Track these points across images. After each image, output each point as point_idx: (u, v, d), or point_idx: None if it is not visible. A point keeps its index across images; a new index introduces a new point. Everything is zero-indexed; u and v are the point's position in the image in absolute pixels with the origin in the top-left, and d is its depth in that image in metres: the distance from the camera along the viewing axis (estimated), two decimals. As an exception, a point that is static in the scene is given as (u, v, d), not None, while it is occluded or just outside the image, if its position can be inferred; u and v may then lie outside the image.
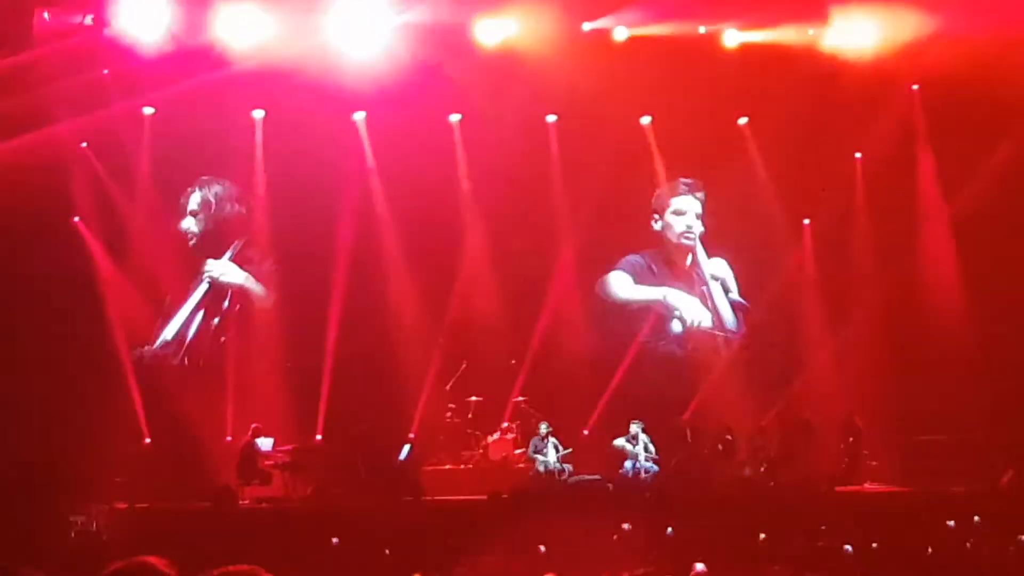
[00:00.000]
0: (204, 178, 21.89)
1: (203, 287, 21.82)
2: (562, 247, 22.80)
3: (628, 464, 20.21)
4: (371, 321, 21.72)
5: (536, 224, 22.56)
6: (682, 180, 23.23)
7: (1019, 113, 21.28)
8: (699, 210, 23.31)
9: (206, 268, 21.89)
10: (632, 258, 23.53)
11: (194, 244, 21.92)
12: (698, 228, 23.33)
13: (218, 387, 21.14)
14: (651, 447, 20.43)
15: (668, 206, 23.38)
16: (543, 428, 20.20)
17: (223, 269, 21.95)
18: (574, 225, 22.75)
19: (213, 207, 21.86)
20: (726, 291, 23.37)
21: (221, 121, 20.91)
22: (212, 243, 22.00)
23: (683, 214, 23.38)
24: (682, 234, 23.38)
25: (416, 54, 20.55)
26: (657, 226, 23.47)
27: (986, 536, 15.36)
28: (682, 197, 23.35)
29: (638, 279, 23.42)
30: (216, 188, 21.88)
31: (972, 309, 22.01)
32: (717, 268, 23.47)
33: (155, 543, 15.37)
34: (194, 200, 21.88)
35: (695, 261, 23.40)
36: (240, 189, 21.99)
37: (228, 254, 21.99)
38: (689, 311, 23.10)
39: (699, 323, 23.02)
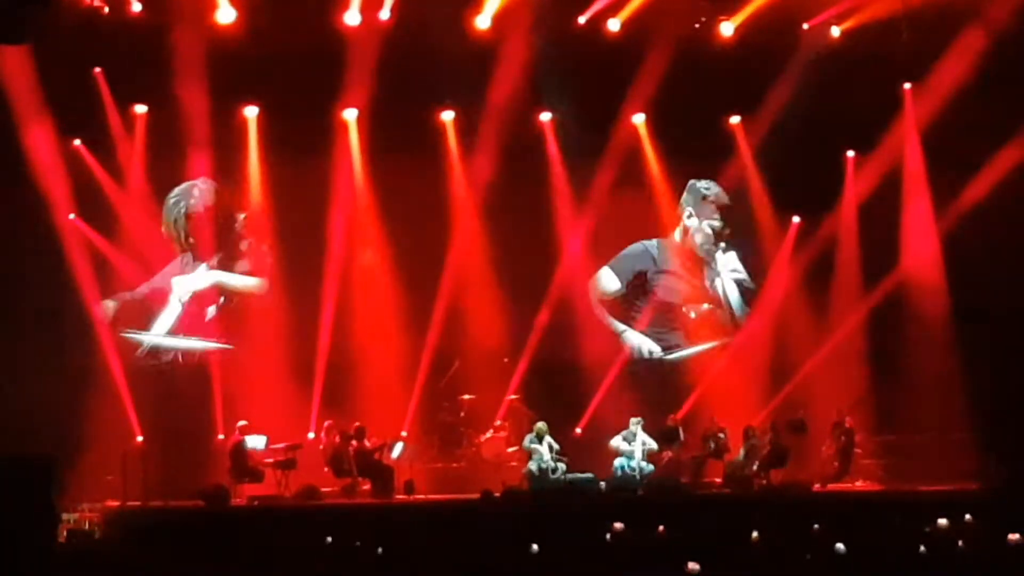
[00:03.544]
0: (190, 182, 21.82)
1: (196, 283, 21.76)
2: (558, 245, 22.88)
3: (618, 462, 20.22)
4: (364, 318, 21.73)
5: (532, 222, 22.58)
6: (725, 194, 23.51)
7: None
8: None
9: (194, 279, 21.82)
10: (635, 248, 23.62)
11: (183, 241, 21.84)
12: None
13: (210, 384, 21.13)
14: (650, 443, 20.45)
15: (707, 213, 23.59)
16: (541, 427, 20.20)
17: (216, 278, 21.88)
18: (572, 223, 22.86)
19: (200, 204, 21.77)
20: (738, 282, 23.57)
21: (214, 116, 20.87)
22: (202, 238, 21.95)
23: (716, 230, 23.65)
24: (707, 246, 23.70)
25: (408, 47, 20.56)
26: (691, 222, 23.62)
27: (977, 535, 15.37)
28: (718, 218, 23.62)
29: (633, 271, 23.54)
30: (200, 185, 21.80)
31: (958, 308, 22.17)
32: (729, 261, 23.63)
33: (147, 542, 15.44)
34: (178, 197, 21.82)
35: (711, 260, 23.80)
36: (230, 184, 21.93)
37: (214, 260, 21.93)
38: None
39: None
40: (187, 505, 17.72)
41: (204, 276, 21.72)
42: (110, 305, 20.98)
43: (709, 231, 23.61)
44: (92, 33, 19.54)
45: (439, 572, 13.57)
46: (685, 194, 23.57)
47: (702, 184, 23.59)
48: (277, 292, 21.75)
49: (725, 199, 23.58)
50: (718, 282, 23.74)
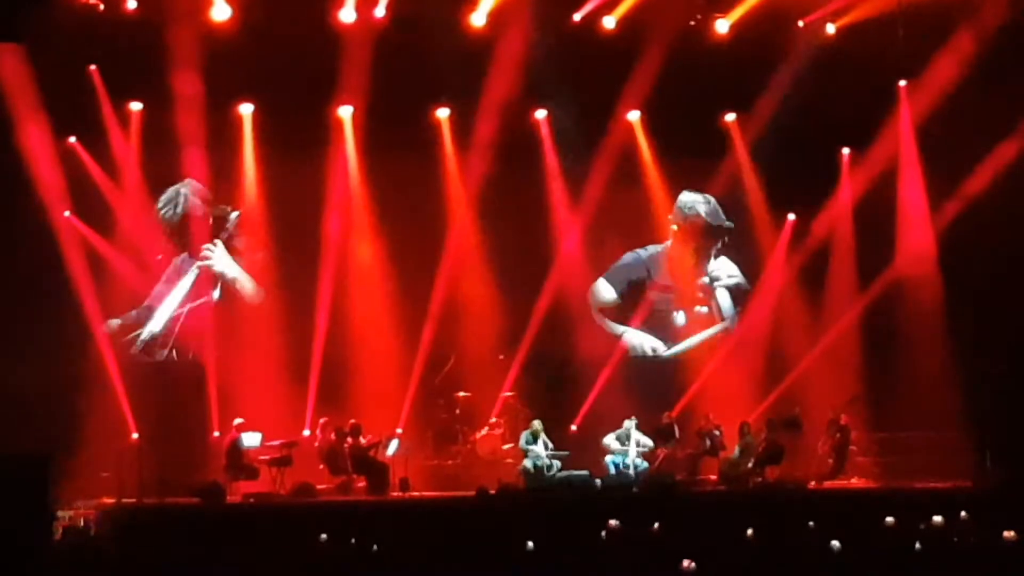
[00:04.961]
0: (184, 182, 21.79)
1: (192, 278, 21.72)
2: (554, 242, 22.88)
3: (609, 460, 20.26)
4: (360, 316, 21.72)
5: (527, 219, 22.58)
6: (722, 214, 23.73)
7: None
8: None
9: (204, 254, 21.76)
10: (629, 258, 23.68)
11: (175, 240, 21.81)
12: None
13: (206, 381, 21.11)
14: (645, 441, 20.46)
15: (703, 221, 23.71)
16: (536, 425, 20.27)
17: (221, 259, 21.84)
18: (567, 220, 22.85)
19: (190, 205, 21.74)
20: (730, 288, 23.73)
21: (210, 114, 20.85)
22: (196, 238, 21.92)
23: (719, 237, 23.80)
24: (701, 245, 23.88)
25: (403, 45, 20.55)
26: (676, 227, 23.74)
27: (972, 532, 15.38)
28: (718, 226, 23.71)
29: (628, 281, 23.59)
30: (194, 185, 21.76)
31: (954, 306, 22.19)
32: (721, 266, 23.68)
33: (143, 539, 15.43)
34: (170, 198, 21.80)
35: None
36: (225, 181, 21.90)
37: (220, 247, 21.92)
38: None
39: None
40: (183, 502, 17.69)
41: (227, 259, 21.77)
42: (113, 324, 20.99)
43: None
44: (87, 30, 19.50)
45: (434, 569, 13.56)
46: (675, 209, 23.70)
47: (687, 199, 23.73)
48: (272, 289, 21.73)
49: (711, 203, 23.69)
50: (707, 284, 23.79)
